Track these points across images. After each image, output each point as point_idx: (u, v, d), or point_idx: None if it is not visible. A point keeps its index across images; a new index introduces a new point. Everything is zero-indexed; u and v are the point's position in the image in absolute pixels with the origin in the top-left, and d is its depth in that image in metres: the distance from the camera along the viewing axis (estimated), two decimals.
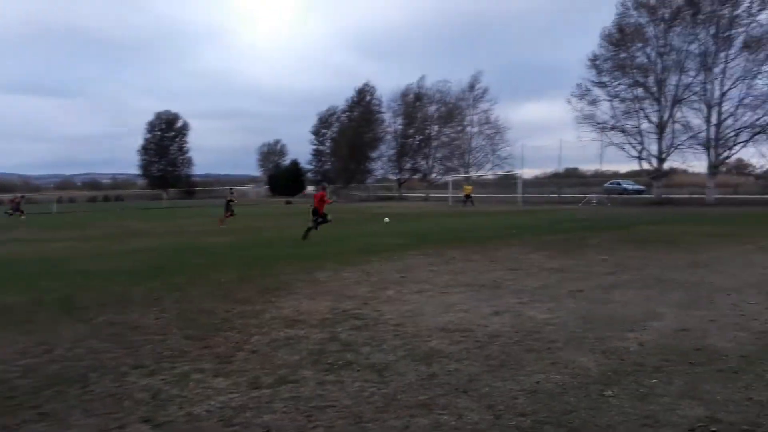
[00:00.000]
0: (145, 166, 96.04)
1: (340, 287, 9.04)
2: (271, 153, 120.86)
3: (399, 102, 71.68)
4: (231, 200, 26.17)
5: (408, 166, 72.83)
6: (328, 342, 5.86)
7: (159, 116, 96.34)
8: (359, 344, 5.75)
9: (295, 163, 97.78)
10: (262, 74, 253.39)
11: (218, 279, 10.07)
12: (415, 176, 75.45)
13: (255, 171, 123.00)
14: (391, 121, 73.97)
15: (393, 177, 76.24)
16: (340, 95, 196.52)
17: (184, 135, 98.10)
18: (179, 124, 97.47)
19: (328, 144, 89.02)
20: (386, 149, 75.08)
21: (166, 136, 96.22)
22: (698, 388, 4.38)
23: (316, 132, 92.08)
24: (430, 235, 18.26)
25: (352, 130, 73.92)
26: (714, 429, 3.66)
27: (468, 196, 43.79)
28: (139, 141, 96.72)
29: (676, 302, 7.52)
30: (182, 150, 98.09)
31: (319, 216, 17.52)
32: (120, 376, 4.95)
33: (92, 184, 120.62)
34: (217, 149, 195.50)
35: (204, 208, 48.96)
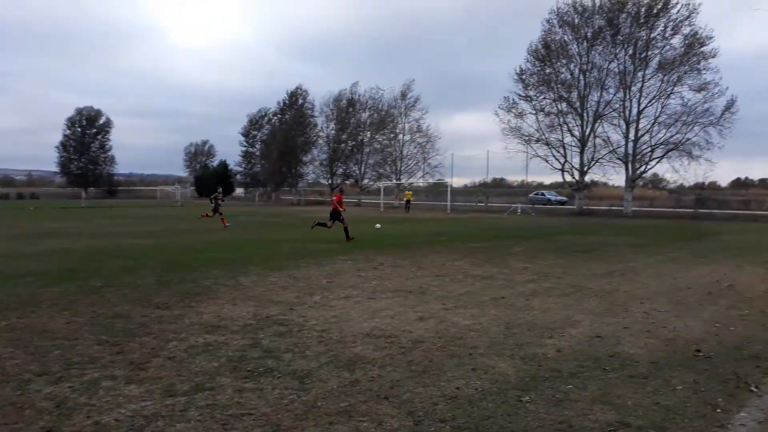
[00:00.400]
0: (64, 164, 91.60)
1: (265, 292, 8.87)
2: (198, 153, 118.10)
3: (332, 107, 71.58)
4: (216, 197, 25.78)
5: (340, 171, 72.74)
6: (250, 348, 5.72)
7: (80, 112, 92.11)
8: (282, 351, 5.65)
9: (223, 165, 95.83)
10: (192, 73, 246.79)
11: (136, 282, 9.66)
12: (348, 181, 75.45)
13: (181, 171, 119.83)
14: (323, 126, 73.79)
15: (325, 181, 75.94)
16: (271, 97, 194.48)
17: (107, 132, 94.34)
18: (102, 120, 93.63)
19: (258, 146, 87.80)
20: (318, 153, 74.81)
21: (87, 133, 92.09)
22: (610, 394, 4.55)
23: (246, 133, 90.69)
24: (359, 241, 18.25)
25: (284, 132, 73.24)
26: None
27: (408, 202, 45.08)
28: (58, 138, 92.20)
29: (592, 310, 7.83)
30: (104, 148, 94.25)
31: (337, 217, 18.24)
32: (22, 383, 4.64)
33: (4, 180, 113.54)
34: (142, 148, 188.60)
35: (126, 208, 47.03)
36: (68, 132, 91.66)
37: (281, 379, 4.80)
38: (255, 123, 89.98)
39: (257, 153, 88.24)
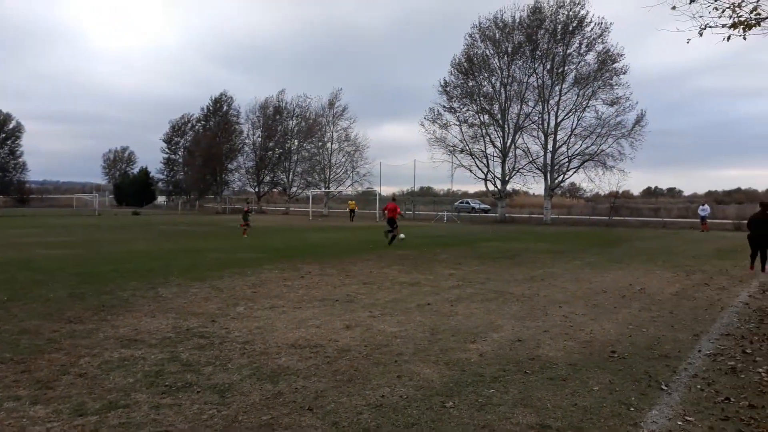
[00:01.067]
0: None
1: (185, 304, 8.55)
2: (117, 160, 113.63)
3: (258, 114, 70.61)
4: (248, 211, 25.71)
5: (267, 179, 71.71)
6: (168, 362, 5.48)
7: None
8: (202, 364, 5.44)
9: (144, 172, 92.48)
10: (112, 78, 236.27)
11: (47, 296, 9.10)
12: (275, 189, 74.46)
13: (100, 179, 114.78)
14: (249, 133, 72.59)
15: (252, 189, 74.62)
16: (195, 103, 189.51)
17: (17, 138, 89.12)
18: (11, 125, 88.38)
19: (181, 153, 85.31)
20: (245, 161, 73.50)
21: None
22: (531, 396, 4.65)
23: (169, 140, 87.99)
24: (286, 250, 18.00)
25: (208, 139, 71.47)
26: None
27: (352, 211, 45.97)
28: None
29: (513, 314, 8.02)
30: (14, 154, 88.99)
31: (393, 226, 20.37)
32: None
33: None
34: (57, 154, 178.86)
35: (39, 217, 44.44)
36: None
37: (201, 394, 4.62)
38: (178, 129, 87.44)
39: (180, 160, 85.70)
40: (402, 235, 22.16)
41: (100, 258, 15.01)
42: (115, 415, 4.16)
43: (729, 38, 7.50)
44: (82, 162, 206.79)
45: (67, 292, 9.43)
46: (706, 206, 33.96)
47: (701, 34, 7.60)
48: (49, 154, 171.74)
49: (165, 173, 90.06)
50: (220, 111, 75.84)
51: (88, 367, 5.33)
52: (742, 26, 7.36)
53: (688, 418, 4.22)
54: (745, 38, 7.44)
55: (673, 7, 7.47)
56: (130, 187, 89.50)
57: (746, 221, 14.18)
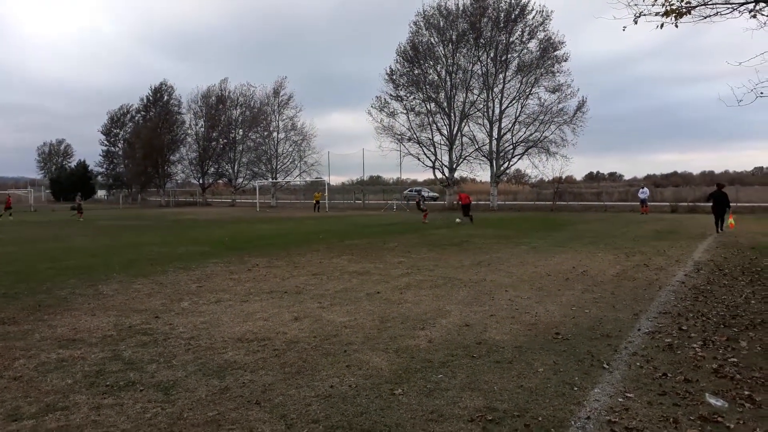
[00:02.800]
0: None
1: (127, 301, 8.29)
2: (53, 154, 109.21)
3: (200, 103, 68.93)
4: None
5: (212, 170, 70.24)
6: (109, 361, 5.30)
7: None
8: (145, 362, 5.29)
9: (82, 165, 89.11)
10: (45, 67, 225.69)
11: None
12: (220, 181, 73.05)
13: (34, 173, 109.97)
14: (192, 123, 70.81)
15: (195, 181, 72.99)
16: (134, 93, 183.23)
17: None
18: None
19: (121, 145, 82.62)
20: (187, 152, 71.69)
21: None
22: (478, 380, 4.72)
23: (107, 132, 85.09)
24: (233, 243, 17.69)
25: (149, 130, 69.33)
26: (490, 417, 3.95)
27: (317, 202, 45.87)
28: None
29: (461, 300, 8.12)
30: None
31: (467, 212, 25.96)
32: None
33: None
34: None
35: None
36: None
37: (144, 392, 4.48)
38: (116, 120, 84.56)
39: (120, 153, 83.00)
40: (458, 219, 26.33)
41: (35, 256, 14.39)
42: (53, 418, 4.00)
43: (662, 26, 7.74)
44: (14, 156, 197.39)
45: (0, 292, 9.00)
46: (646, 189, 35.18)
47: (636, 22, 7.83)
48: None
49: (104, 166, 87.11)
50: (160, 101, 73.64)
51: (23, 369, 5.10)
52: (674, 14, 7.61)
53: (629, 395, 4.36)
54: (677, 26, 7.70)
55: None
56: (68, 181, 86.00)
57: (707, 197, 21.42)
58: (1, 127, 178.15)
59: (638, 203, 34.89)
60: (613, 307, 7.65)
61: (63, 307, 7.88)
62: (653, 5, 7.81)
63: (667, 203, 38.59)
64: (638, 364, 5.14)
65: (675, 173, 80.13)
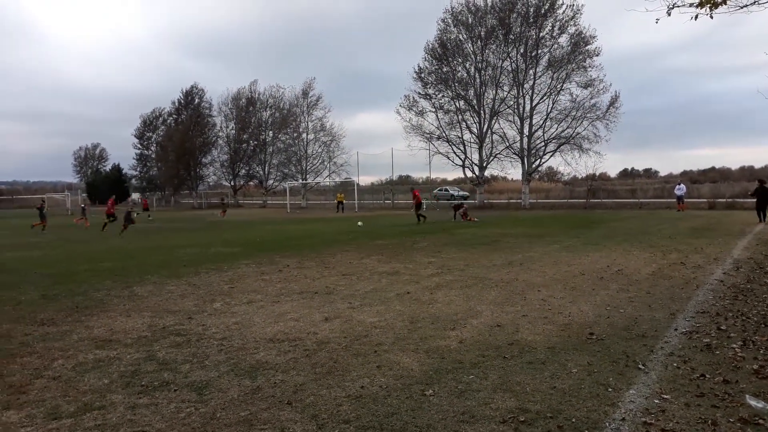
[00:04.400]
0: None
1: (161, 302, 8.43)
2: (89, 158, 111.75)
3: (231, 106, 69.80)
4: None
5: (243, 172, 71.05)
6: (144, 362, 5.39)
7: None
8: (179, 362, 5.36)
9: (117, 169, 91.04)
10: (80, 73, 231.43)
11: (18, 298, 8.91)
12: (251, 182, 73.86)
13: (71, 177, 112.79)
14: (222, 125, 71.74)
15: (227, 183, 73.94)
16: (166, 97, 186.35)
17: None
18: None
19: (153, 148, 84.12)
20: (219, 154, 72.69)
21: None
22: (510, 381, 4.66)
23: (140, 135, 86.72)
24: (264, 243, 17.87)
25: (180, 133, 70.43)
26: (522, 419, 3.89)
27: (340, 203, 46.12)
28: None
29: (492, 300, 8.04)
30: None
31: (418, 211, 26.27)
32: None
33: None
34: (26, 154, 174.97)
35: (8, 219, 43.56)
36: None
37: (178, 392, 4.55)
38: (149, 124, 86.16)
39: (153, 156, 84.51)
40: (360, 223, 26.07)
41: (73, 258, 14.75)
42: (91, 417, 4.09)
43: (696, 17, 7.54)
44: (52, 161, 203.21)
45: (40, 294, 9.25)
46: (682, 186, 34.38)
47: (669, 14, 7.64)
48: (18, 154, 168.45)
49: (138, 169, 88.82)
50: (191, 104, 74.83)
51: (62, 369, 5.23)
52: (708, 5, 7.40)
53: (665, 396, 4.25)
54: (711, 17, 7.49)
55: None
56: (103, 184, 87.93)
57: (750, 194, 23.85)
58: (40, 132, 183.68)
59: (674, 200, 34.13)
60: (648, 306, 7.48)
61: (99, 308, 8.06)
62: None
63: (705, 200, 37.68)
64: (675, 364, 5.02)
65: (713, 169, 78.01)
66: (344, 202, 47.42)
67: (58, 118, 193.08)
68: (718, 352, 5.34)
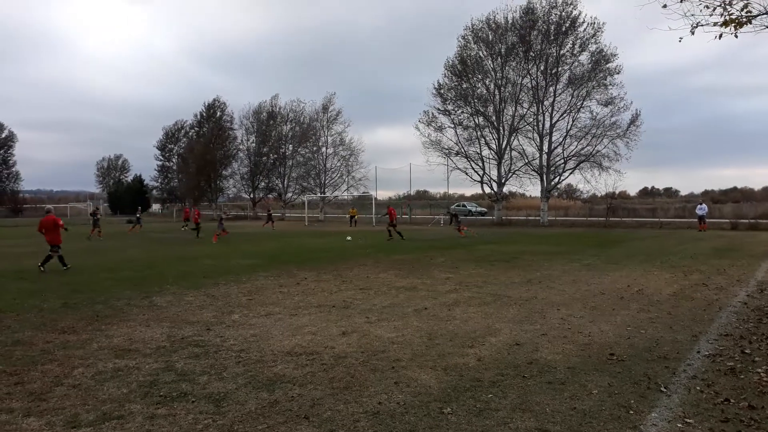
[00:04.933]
0: None
1: (180, 312, 8.49)
2: (111, 168, 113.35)
3: (252, 119, 70.44)
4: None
5: (262, 185, 71.53)
6: (163, 372, 5.42)
7: None
8: (197, 373, 5.38)
9: (138, 180, 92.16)
10: (104, 85, 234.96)
11: (40, 306, 9.03)
12: (270, 195, 74.28)
13: (94, 187, 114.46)
14: (243, 139, 72.38)
15: (246, 195, 74.45)
16: (188, 109, 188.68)
17: (10, 147, 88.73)
18: (4, 134, 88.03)
19: (175, 160, 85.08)
20: (239, 167, 73.25)
21: None
22: (530, 401, 4.60)
23: (162, 147, 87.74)
24: (282, 256, 17.94)
25: (202, 146, 71.19)
26: None
27: (352, 217, 46.41)
28: None
29: (511, 318, 7.98)
30: (7, 163, 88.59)
31: (392, 226, 26.11)
32: None
33: None
34: (50, 163, 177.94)
35: (32, 227, 44.20)
36: None
37: (196, 404, 4.56)
38: (171, 136, 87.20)
39: (174, 167, 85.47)
40: (348, 237, 26.43)
41: (93, 267, 14.92)
42: (110, 426, 4.11)
43: (720, 36, 7.48)
44: (75, 170, 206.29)
45: (61, 302, 9.37)
46: (704, 205, 33.90)
47: (693, 33, 7.59)
48: (43, 163, 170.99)
49: (159, 180, 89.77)
50: (213, 117, 75.63)
51: (81, 378, 5.27)
52: (733, 24, 7.35)
53: (688, 420, 4.17)
54: (736, 36, 7.42)
55: (664, 6, 7.46)
56: (125, 195, 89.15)
57: None
58: (64, 142, 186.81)
59: (696, 220, 33.68)
60: (670, 327, 7.37)
61: (119, 317, 8.13)
62: (711, 15, 7.57)
63: (727, 220, 37.11)
64: (698, 388, 4.92)
65: (735, 189, 77.05)
66: (356, 216, 47.57)
67: (82, 129, 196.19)
68: (742, 377, 5.23)
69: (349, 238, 26.90)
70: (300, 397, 4.70)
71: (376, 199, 56.58)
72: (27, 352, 6.24)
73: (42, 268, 13.82)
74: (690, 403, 4.56)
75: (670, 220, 42.32)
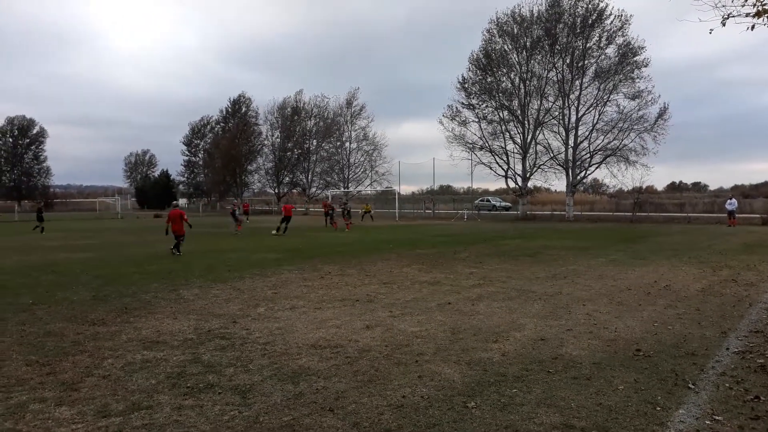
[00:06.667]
0: None
1: (207, 305, 8.61)
2: (139, 163, 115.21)
3: (276, 115, 70.97)
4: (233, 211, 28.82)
5: (287, 179, 72.07)
6: (190, 364, 5.51)
7: (11, 121, 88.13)
8: (223, 365, 5.46)
9: (165, 175, 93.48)
10: (132, 82, 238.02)
11: (71, 298, 9.24)
12: (295, 190, 74.81)
13: (121, 182, 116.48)
14: (268, 134, 72.99)
15: (271, 190, 75.08)
16: (213, 105, 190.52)
17: (41, 143, 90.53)
18: (35, 130, 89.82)
19: (201, 155, 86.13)
20: (264, 162, 73.93)
21: (20, 143, 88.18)
22: (555, 396, 4.58)
23: (189, 142, 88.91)
24: (306, 250, 18.06)
25: (227, 141, 71.98)
26: None
27: (367, 212, 46.32)
28: None
29: (536, 313, 7.93)
30: (38, 159, 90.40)
31: (283, 222, 26.04)
32: None
33: None
34: (80, 158, 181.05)
35: (62, 221, 45.17)
36: None
37: (222, 395, 4.63)
38: (197, 132, 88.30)
39: (200, 162, 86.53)
40: (273, 232, 26.65)
41: (122, 260, 15.20)
42: (139, 416, 4.19)
43: (753, 27, 7.31)
44: (104, 165, 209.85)
45: (91, 295, 9.57)
46: (734, 200, 33.23)
47: (724, 24, 7.41)
48: (72, 159, 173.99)
49: (185, 175, 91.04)
50: (238, 112, 76.47)
51: (111, 368, 5.39)
52: (767, 15, 7.17)
53: (717, 418, 4.12)
54: None
55: None
56: (152, 189, 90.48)
57: None
58: (93, 138, 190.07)
59: (725, 215, 33.05)
60: (698, 324, 7.26)
61: (147, 310, 8.28)
62: (743, 6, 7.39)
63: (758, 215, 36.32)
64: (727, 385, 4.85)
65: (766, 183, 75.20)
66: (371, 211, 47.49)
67: (110, 124, 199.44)
68: None
69: (273, 232, 26.86)
70: (324, 390, 4.74)
71: (399, 193, 56.57)
72: (58, 343, 6.39)
73: (176, 252, 16.61)
74: (719, 400, 4.50)
75: (699, 215, 41.52)
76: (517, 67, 45.45)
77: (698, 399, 4.52)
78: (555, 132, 45.35)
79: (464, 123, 48.29)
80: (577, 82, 43.31)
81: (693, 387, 4.79)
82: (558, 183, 47.68)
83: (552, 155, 45.29)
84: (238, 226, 28.21)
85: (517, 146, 46.64)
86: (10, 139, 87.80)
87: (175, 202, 20.69)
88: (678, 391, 4.69)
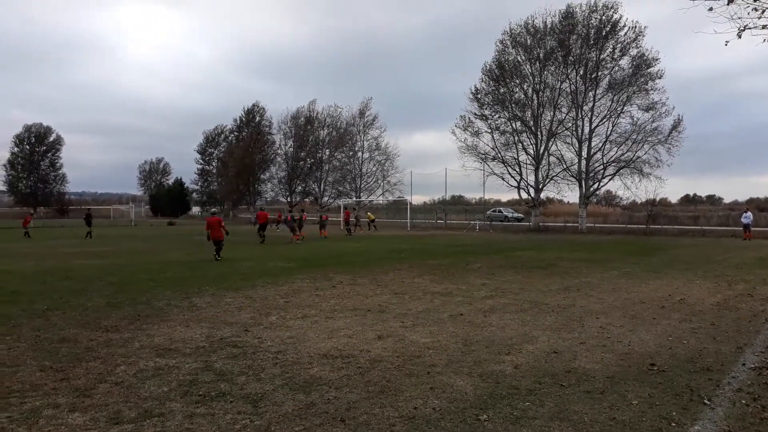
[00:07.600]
0: (12, 183, 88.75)
1: (219, 313, 8.64)
2: (153, 171, 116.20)
3: (290, 124, 71.33)
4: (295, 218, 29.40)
5: (299, 188, 72.31)
6: (202, 372, 5.52)
7: (28, 129, 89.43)
8: (235, 374, 5.47)
9: (179, 183, 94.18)
10: (147, 90, 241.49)
11: (85, 305, 9.31)
12: (307, 199, 75.00)
13: (135, 190, 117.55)
14: (281, 143, 73.37)
15: (284, 199, 75.32)
16: (228, 114, 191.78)
17: (57, 150, 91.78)
18: (52, 138, 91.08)
19: (214, 164, 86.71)
20: (277, 171, 74.23)
21: (36, 150, 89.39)
22: (568, 410, 4.54)
23: (203, 151, 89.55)
24: (318, 259, 18.08)
25: (241, 150, 72.47)
26: None
27: (372, 221, 46.69)
28: (5, 155, 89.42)
29: (549, 325, 7.87)
30: (54, 166, 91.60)
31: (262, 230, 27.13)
32: None
33: None
34: (95, 166, 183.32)
35: (77, 228, 45.56)
36: (16, 150, 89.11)
37: (234, 404, 4.64)
38: (211, 140, 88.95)
39: (214, 171, 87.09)
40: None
41: (136, 268, 15.30)
42: (150, 423, 4.21)
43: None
44: (118, 173, 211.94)
45: (105, 302, 9.64)
46: (749, 213, 32.86)
47: (740, 36, 7.38)
48: (88, 166, 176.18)
49: (199, 184, 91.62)
50: (252, 122, 76.99)
51: (124, 375, 5.41)
52: None
53: None
54: None
55: (710, 9, 7.28)
56: (166, 197, 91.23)
57: None
58: (109, 146, 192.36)
59: (740, 228, 32.69)
60: (713, 338, 7.17)
61: (160, 317, 8.32)
62: (759, 18, 7.36)
63: None
64: (744, 401, 4.78)
65: None
66: (375, 220, 47.69)
67: (125, 132, 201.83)
68: None
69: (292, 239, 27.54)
70: (336, 400, 4.73)
71: (411, 203, 56.55)
72: (72, 349, 6.43)
73: (218, 257, 17.61)
74: (735, 416, 4.43)
75: (713, 228, 41.07)
76: (530, 78, 45.36)
77: (714, 415, 4.46)
78: (568, 143, 45.16)
79: (477, 133, 48.22)
80: (591, 94, 43.15)
81: (708, 403, 4.73)
82: (571, 194, 47.50)
83: (565, 166, 45.07)
84: (295, 235, 28.39)
85: (529, 157, 46.47)
86: (27, 147, 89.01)
87: (213, 209, 21.34)
88: (693, 407, 4.63)
